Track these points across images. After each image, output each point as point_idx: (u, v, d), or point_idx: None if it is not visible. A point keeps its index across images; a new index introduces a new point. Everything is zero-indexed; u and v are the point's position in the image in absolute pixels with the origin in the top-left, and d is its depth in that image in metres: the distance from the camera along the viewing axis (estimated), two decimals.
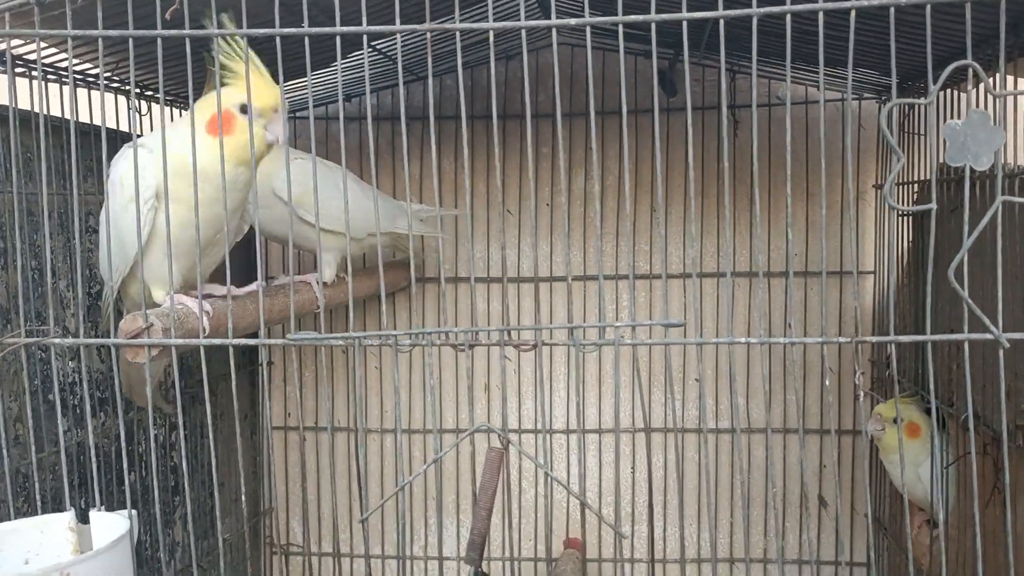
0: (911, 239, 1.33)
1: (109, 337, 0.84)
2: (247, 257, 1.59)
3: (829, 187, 1.49)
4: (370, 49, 1.32)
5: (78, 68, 1.11)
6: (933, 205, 0.76)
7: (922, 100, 0.74)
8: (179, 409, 0.87)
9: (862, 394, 0.77)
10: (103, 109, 0.86)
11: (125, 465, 0.85)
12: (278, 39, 0.91)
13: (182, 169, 0.83)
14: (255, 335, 1.28)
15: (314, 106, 1.58)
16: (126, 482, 0.85)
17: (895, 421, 1.25)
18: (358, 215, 1.13)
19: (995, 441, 1.04)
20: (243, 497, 0.86)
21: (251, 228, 1.06)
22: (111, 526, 0.83)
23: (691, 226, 1.54)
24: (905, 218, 1.34)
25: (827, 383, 0.77)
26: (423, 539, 1.62)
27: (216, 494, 0.81)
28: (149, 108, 1.27)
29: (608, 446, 1.61)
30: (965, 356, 0.75)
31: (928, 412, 1.25)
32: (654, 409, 1.59)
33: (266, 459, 1.61)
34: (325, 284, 1.26)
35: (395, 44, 1.37)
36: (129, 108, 1.24)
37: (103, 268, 0.98)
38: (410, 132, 1.59)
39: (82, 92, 1.10)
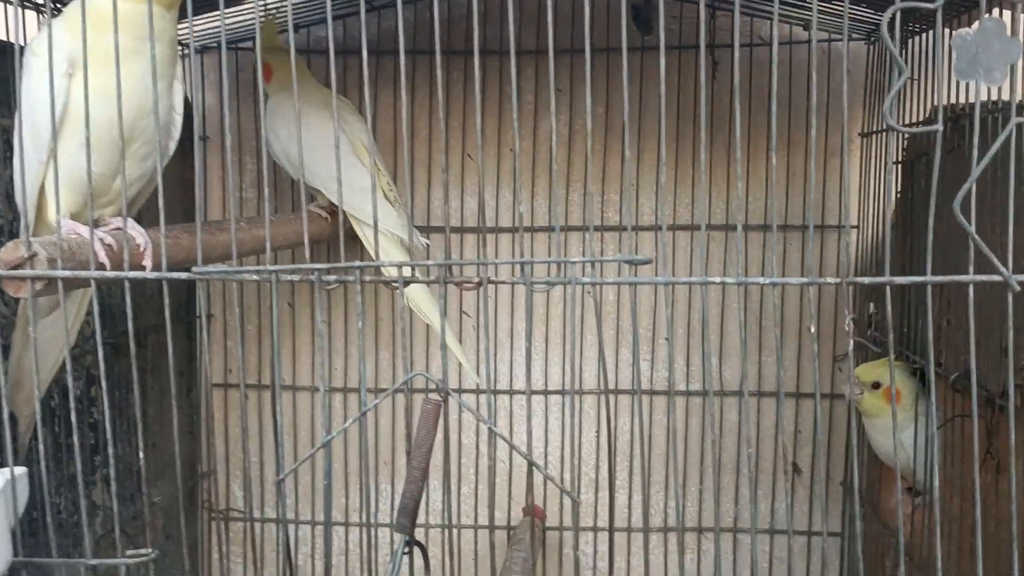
0: (900, 189, 1.24)
1: None
2: (183, 198, 1.47)
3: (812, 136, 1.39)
4: None
5: None
6: (939, 126, 0.66)
7: (930, 4, 0.64)
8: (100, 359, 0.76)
9: (852, 341, 0.68)
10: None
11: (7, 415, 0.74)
12: None
13: (95, 21, 0.70)
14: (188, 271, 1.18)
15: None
16: (7, 437, 0.74)
17: (874, 386, 1.16)
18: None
19: (988, 403, 0.95)
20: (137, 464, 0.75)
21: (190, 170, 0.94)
22: None
23: (661, 175, 1.43)
24: (894, 166, 1.25)
25: (812, 329, 0.67)
26: (356, 501, 1.52)
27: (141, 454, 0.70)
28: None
29: (560, 408, 1.52)
30: (970, 299, 0.65)
31: (913, 375, 1.17)
32: (620, 369, 1.49)
33: (203, 418, 1.50)
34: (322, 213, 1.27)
35: None
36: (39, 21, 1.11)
37: (17, 185, 0.87)
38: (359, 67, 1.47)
39: None
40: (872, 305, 1.32)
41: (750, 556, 1.50)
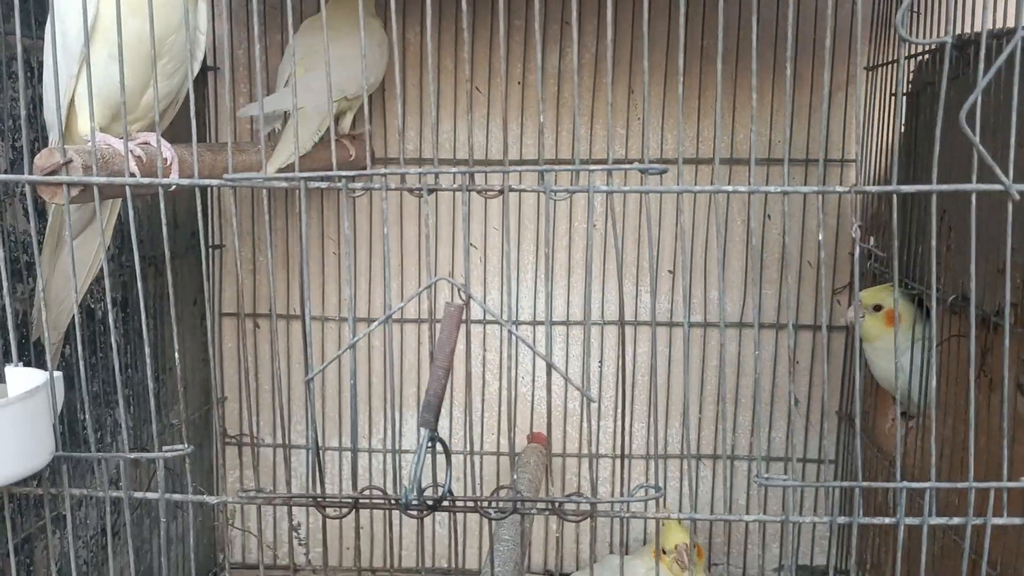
0: (904, 121, 1.26)
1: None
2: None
3: (817, 70, 1.41)
4: None
5: None
6: (949, 38, 0.69)
7: None
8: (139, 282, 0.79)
9: (858, 248, 0.71)
10: None
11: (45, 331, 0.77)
12: None
13: None
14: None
15: None
16: (41, 353, 0.77)
17: (875, 308, 1.20)
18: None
19: (983, 323, 0.99)
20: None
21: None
22: (30, 382, 0.75)
23: (671, 107, 1.44)
24: (897, 98, 1.27)
25: (820, 238, 0.70)
26: (380, 432, 1.56)
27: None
28: None
29: (576, 338, 1.56)
30: (972, 207, 0.69)
31: (913, 301, 1.20)
32: (625, 302, 1.53)
33: (215, 346, 1.54)
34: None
35: None
36: None
37: (47, 98, 0.88)
38: None
39: None
40: (872, 238, 1.36)
41: (747, 481, 1.55)
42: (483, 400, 1.56)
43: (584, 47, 1.47)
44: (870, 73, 1.38)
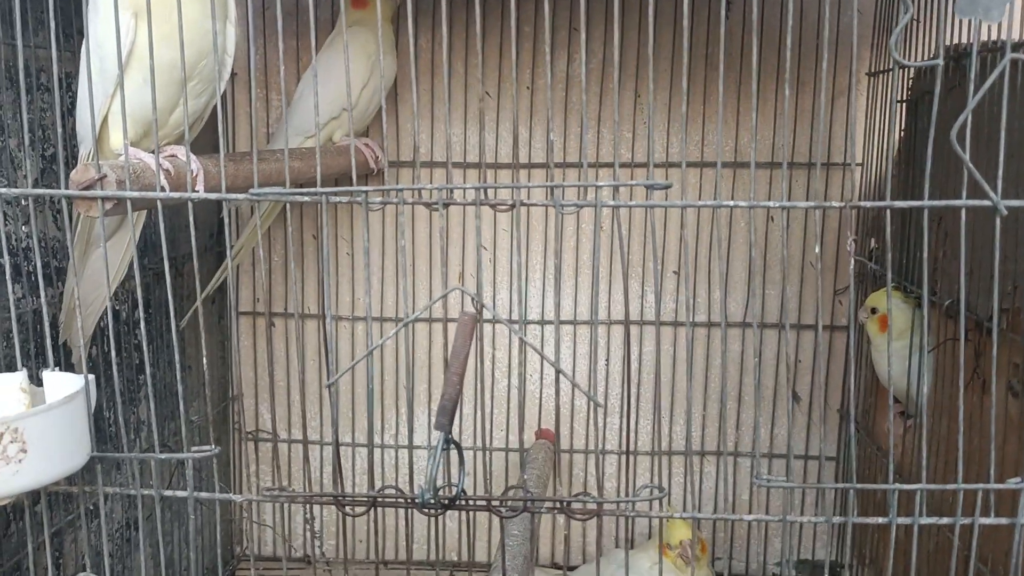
0: (904, 127, 1.29)
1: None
2: (211, 133, 1.52)
3: (820, 75, 1.43)
4: None
5: None
6: (940, 61, 0.72)
7: None
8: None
9: (853, 260, 0.74)
10: None
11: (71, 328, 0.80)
12: None
13: None
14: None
15: None
16: (68, 354, 0.81)
17: (872, 311, 1.24)
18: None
19: (977, 327, 1.02)
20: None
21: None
22: (66, 386, 0.79)
23: (677, 112, 1.47)
24: (899, 104, 1.30)
25: (817, 250, 0.73)
26: (393, 428, 1.60)
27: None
28: None
29: (583, 337, 1.59)
30: (962, 221, 0.72)
31: (917, 305, 1.24)
32: (632, 303, 1.56)
33: (234, 344, 1.58)
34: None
35: None
36: None
37: (80, 115, 0.92)
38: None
39: None
40: (873, 240, 1.39)
41: (750, 477, 1.59)
42: (493, 398, 1.60)
43: (592, 53, 1.51)
44: (872, 79, 1.40)
